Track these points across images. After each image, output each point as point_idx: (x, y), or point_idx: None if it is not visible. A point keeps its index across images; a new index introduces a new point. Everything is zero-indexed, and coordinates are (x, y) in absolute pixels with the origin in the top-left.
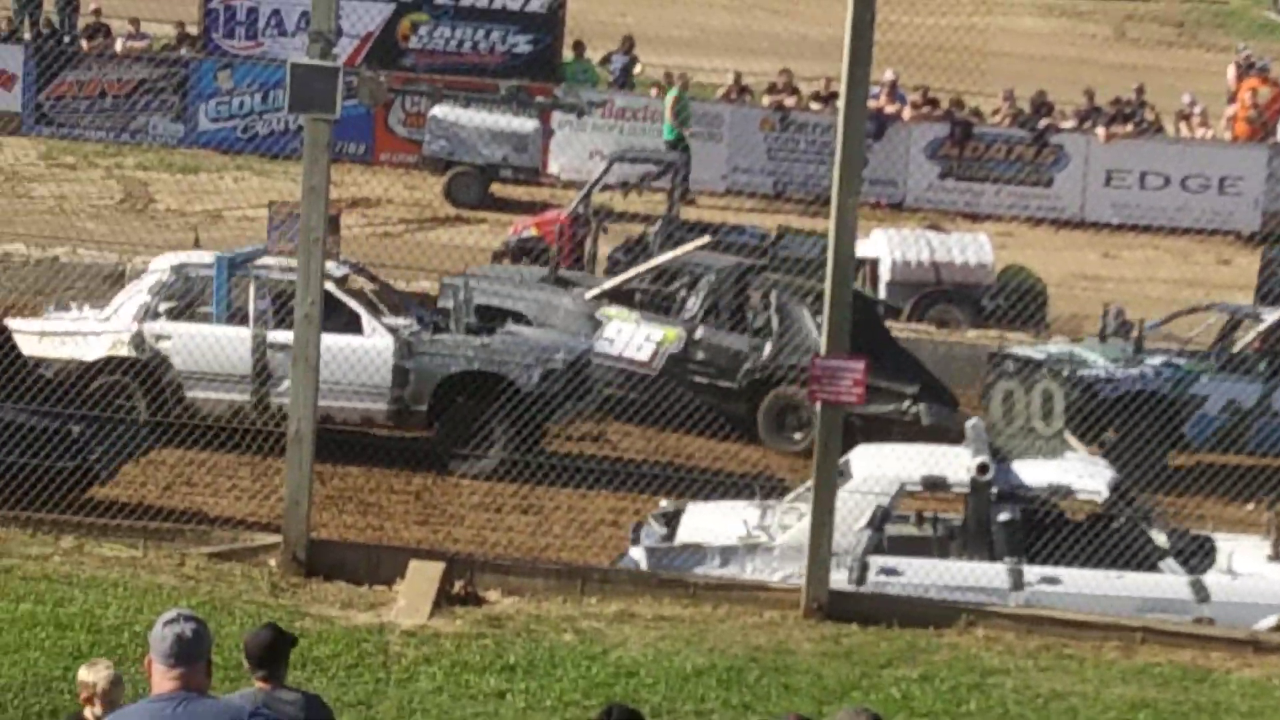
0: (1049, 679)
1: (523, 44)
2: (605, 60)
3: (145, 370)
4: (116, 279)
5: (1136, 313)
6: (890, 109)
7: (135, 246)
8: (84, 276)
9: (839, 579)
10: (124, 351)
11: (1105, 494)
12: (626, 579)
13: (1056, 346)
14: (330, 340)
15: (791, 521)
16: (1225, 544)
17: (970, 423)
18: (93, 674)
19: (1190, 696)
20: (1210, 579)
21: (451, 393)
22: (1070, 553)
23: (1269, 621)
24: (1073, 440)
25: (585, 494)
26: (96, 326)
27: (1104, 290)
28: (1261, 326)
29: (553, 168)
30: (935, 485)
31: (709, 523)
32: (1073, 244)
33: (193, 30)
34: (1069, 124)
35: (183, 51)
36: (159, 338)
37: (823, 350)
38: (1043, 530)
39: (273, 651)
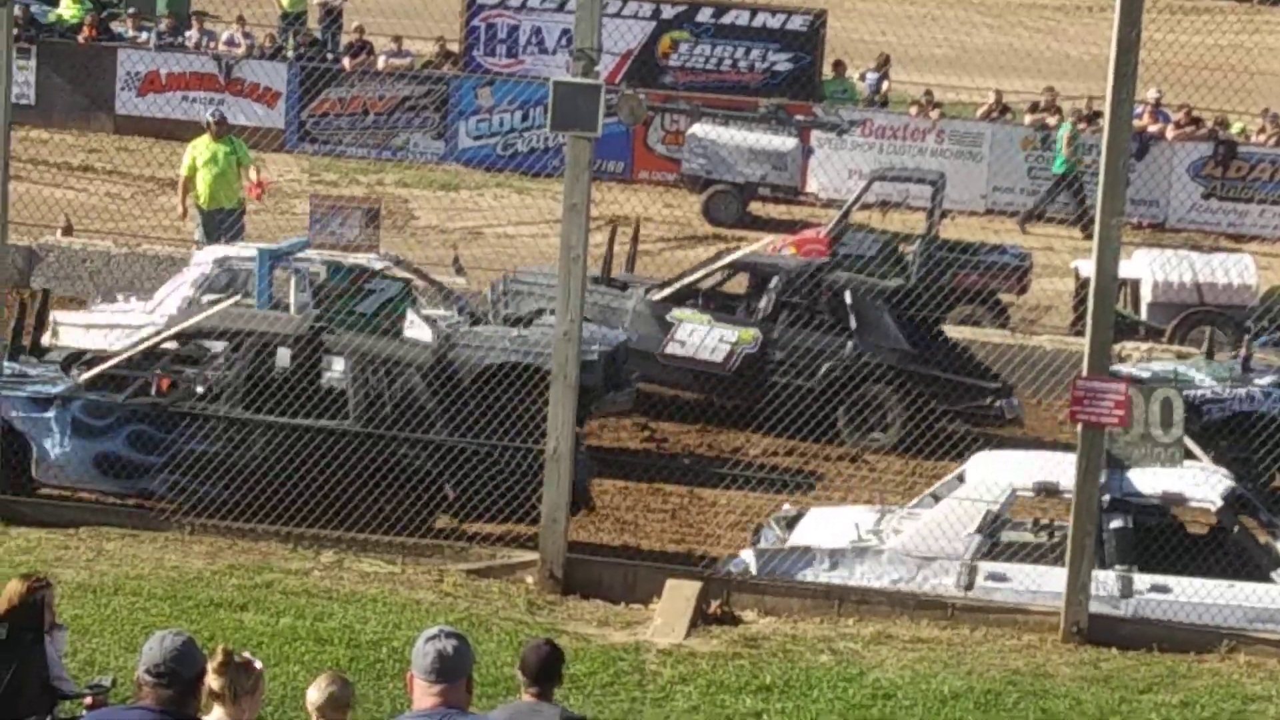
0: None
1: (782, 62)
2: (860, 78)
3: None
4: None
5: None
6: (1153, 128)
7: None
8: None
9: (948, 584)
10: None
11: (1219, 504)
12: (884, 600)
13: (1161, 364)
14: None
15: (904, 527)
16: None
17: None
18: (314, 692)
19: None
20: None
21: (490, 384)
22: (1182, 561)
23: None
24: (1196, 449)
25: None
26: (141, 319)
27: None
28: None
29: (811, 186)
30: (1048, 491)
31: (827, 526)
32: None
33: (454, 48)
34: None
35: (444, 69)
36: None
37: (1084, 370)
38: (1156, 538)
39: (549, 668)
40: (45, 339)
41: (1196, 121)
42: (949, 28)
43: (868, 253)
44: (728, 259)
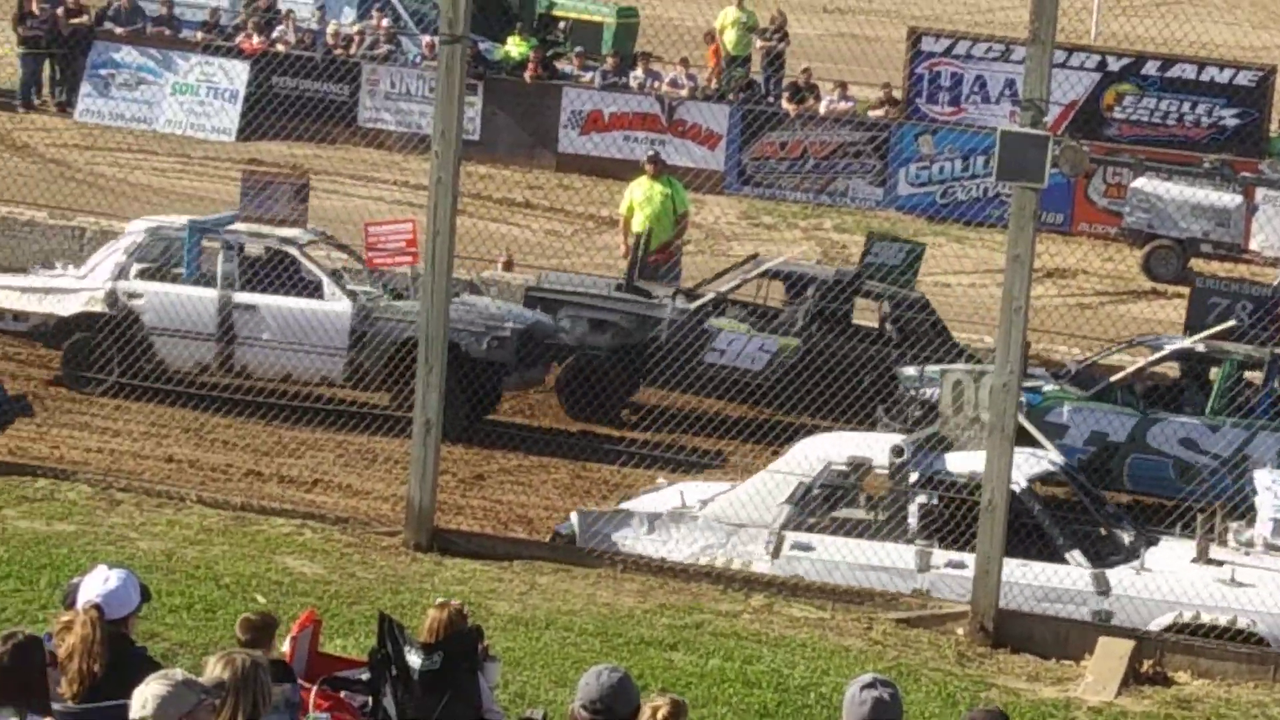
0: None
1: (1229, 117)
2: None
3: (116, 326)
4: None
5: None
6: None
7: None
8: None
9: (757, 551)
10: (97, 308)
11: (1022, 485)
12: None
13: (938, 368)
14: (292, 303)
15: (719, 496)
16: (1167, 543)
17: None
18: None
19: None
20: (1114, 574)
21: (406, 357)
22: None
23: (1163, 621)
24: (1040, 436)
25: None
26: (73, 284)
27: None
28: (1151, 358)
29: (1254, 244)
30: (859, 466)
31: (667, 496)
32: None
33: (896, 94)
34: None
35: (883, 114)
36: (131, 296)
37: None
38: (962, 517)
39: None
40: None
41: None
42: None
43: (891, 261)
44: (763, 267)
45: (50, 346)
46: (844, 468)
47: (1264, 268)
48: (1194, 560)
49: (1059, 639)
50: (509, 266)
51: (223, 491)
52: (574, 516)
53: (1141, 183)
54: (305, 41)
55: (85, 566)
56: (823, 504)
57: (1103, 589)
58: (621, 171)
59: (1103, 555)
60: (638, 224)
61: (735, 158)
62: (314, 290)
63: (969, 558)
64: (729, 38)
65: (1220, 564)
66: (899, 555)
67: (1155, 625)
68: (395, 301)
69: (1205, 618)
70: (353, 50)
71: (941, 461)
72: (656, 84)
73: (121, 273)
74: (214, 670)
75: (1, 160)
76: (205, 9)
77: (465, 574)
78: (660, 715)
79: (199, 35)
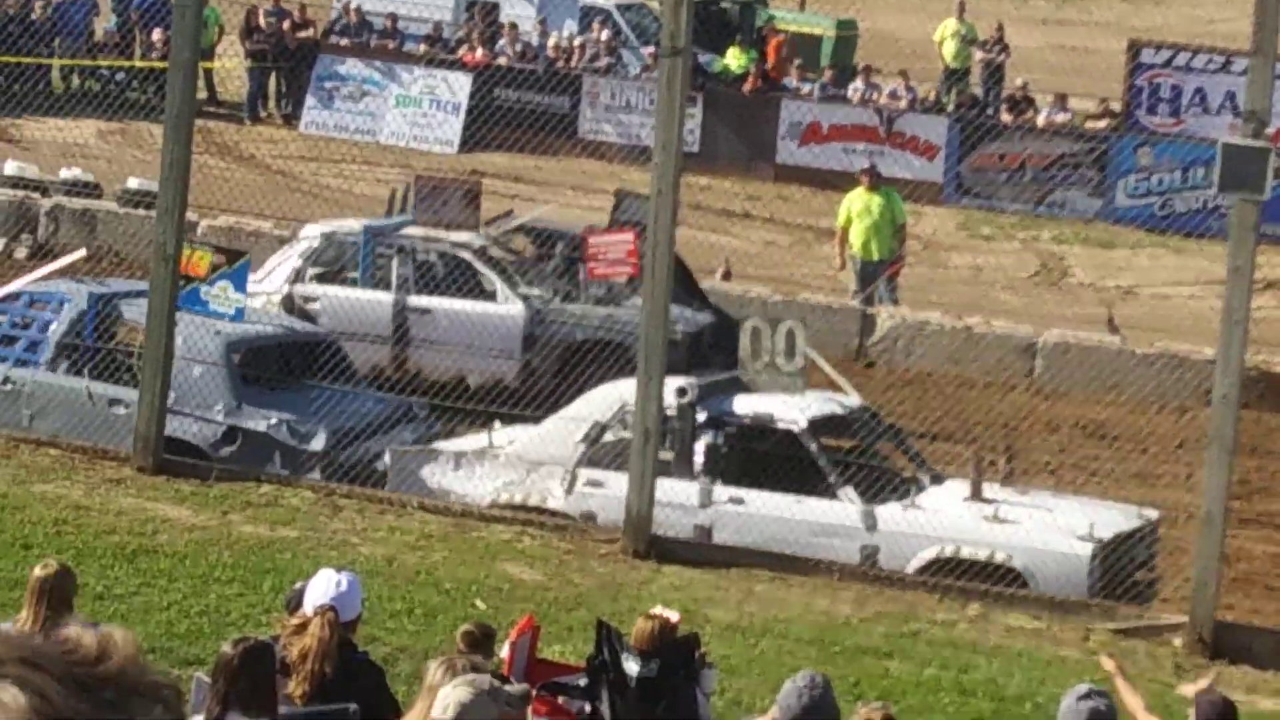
0: None
1: None
2: None
3: None
4: (1029, 353)
5: None
6: None
7: (1048, 320)
8: (996, 347)
9: (553, 487)
10: (274, 312)
11: (803, 425)
12: None
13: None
14: (466, 306)
15: (520, 435)
16: (952, 483)
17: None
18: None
19: None
20: (883, 510)
21: (578, 359)
22: (768, 479)
23: (926, 556)
24: (839, 379)
25: None
26: (250, 288)
27: None
28: None
29: None
30: None
31: (480, 437)
32: None
33: (1115, 106)
34: None
35: (1102, 126)
36: (307, 300)
37: None
38: (747, 456)
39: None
40: None
41: None
42: None
43: (639, 218)
44: (514, 223)
45: None
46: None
47: None
48: (966, 498)
49: (1279, 650)
50: (727, 277)
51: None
52: (387, 454)
53: None
54: (527, 54)
55: (308, 572)
56: (619, 443)
57: (870, 525)
58: (840, 182)
59: (882, 493)
60: (855, 235)
61: (953, 169)
62: (487, 294)
63: (749, 494)
64: (948, 49)
65: (990, 501)
66: (685, 492)
67: (918, 560)
68: (566, 305)
69: (965, 552)
70: (574, 63)
71: (729, 402)
72: (875, 95)
73: (297, 277)
74: (435, 676)
75: (229, 171)
76: (429, 22)
77: (682, 581)
78: None
79: (422, 48)
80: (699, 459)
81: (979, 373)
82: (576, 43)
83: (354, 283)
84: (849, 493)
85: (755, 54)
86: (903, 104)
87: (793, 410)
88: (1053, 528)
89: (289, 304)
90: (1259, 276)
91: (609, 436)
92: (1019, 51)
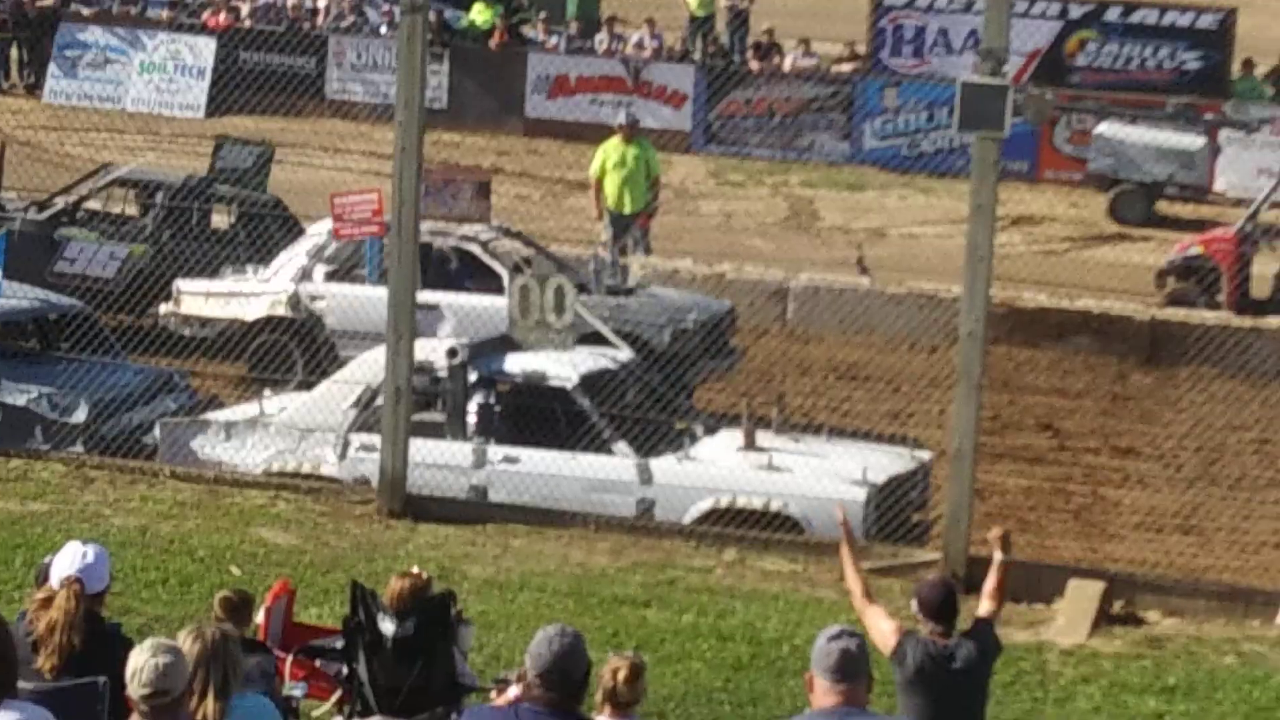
0: None
1: (1191, 61)
2: (1269, 77)
3: (300, 329)
4: (780, 296)
5: None
6: None
7: (799, 263)
8: (748, 293)
9: (326, 454)
10: (281, 312)
11: (574, 382)
12: None
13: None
14: (473, 300)
15: (291, 402)
16: (726, 433)
17: None
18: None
19: None
20: (658, 463)
21: None
22: (538, 436)
23: (703, 506)
24: (610, 334)
25: (1249, 515)
26: (257, 287)
27: None
28: None
29: (1219, 185)
30: (421, 370)
31: (250, 406)
32: None
33: (860, 49)
34: None
35: (848, 69)
36: (314, 298)
37: None
38: (520, 414)
39: (947, 606)
40: (166, 307)
41: None
42: None
43: (241, 164)
44: (111, 175)
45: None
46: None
47: (1229, 208)
48: (740, 448)
49: (1030, 583)
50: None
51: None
52: (157, 427)
53: (1105, 128)
54: (271, 15)
55: (60, 545)
56: None
57: (646, 478)
58: (589, 135)
59: (656, 446)
60: (610, 186)
61: (702, 117)
62: (495, 286)
63: (524, 453)
64: None
65: (764, 450)
66: (459, 452)
67: (694, 511)
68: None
69: (741, 502)
70: (319, 22)
71: (500, 361)
72: (622, 46)
73: (305, 275)
74: (185, 644)
75: None
76: None
77: (439, 539)
78: (620, 677)
79: (165, 13)
80: (472, 419)
81: None
82: (321, 3)
83: (362, 280)
84: (623, 447)
85: (501, 9)
86: (649, 53)
87: (564, 367)
88: (827, 474)
89: (295, 303)
90: (1004, 213)
91: (381, 400)
92: None
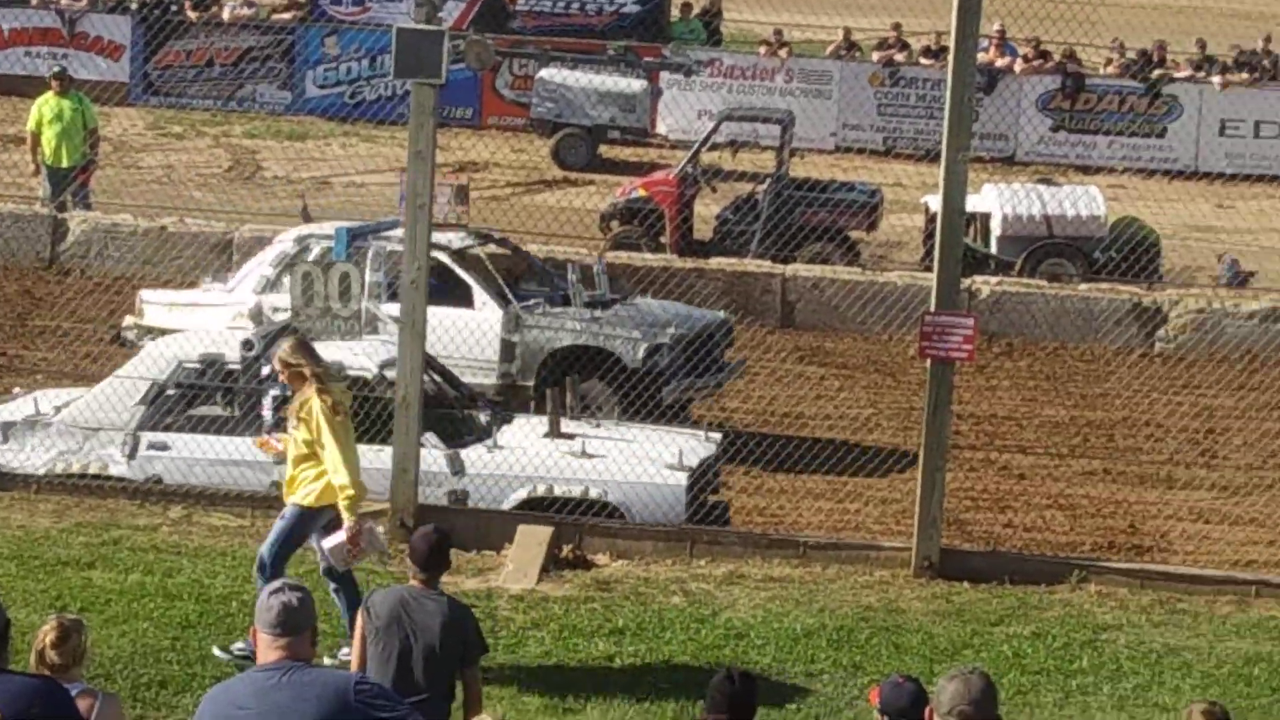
0: (1163, 634)
1: (630, 4)
2: (702, 16)
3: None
4: (224, 248)
5: (1250, 263)
6: (1001, 62)
7: (243, 215)
8: (191, 245)
9: (114, 454)
10: (243, 324)
11: (374, 371)
12: (736, 540)
13: None
14: (440, 314)
15: (72, 401)
16: (521, 421)
17: None
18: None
19: None
20: (469, 453)
21: (559, 367)
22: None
23: (519, 496)
24: (390, 320)
25: None
26: (221, 298)
27: (1218, 241)
28: None
29: (661, 128)
30: (213, 362)
31: (22, 404)
32: (1186, 195)
33: None
34: (1183, 74)
35: (288, 17)
36: (276, 310)
37: (932, 305)
38: None
39: (438, 555)
40: (129, 319)
41: (1045, 55)
42: None
43: None
44: None
45: None
46: (197, 366)
47: (670, 150)
48: (545, 435)
49: (480, 531)
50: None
51: None
52: None
53: (548, 73)
54: None
55: None
56: (180, 402)
57: (457, 469)
58: (25, 89)
59: (459, 436)
60: (46, 141)
61: (140, 68)
62: (464, 299)
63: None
64: None
65: (571, 437)
66: (249, 449)
67: (511, 502)
68: (553, 308)
69: (558, 490)
70: None
71: None
72: None
73: (268, 286)
74: None
75: None
76: None
77: None
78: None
79: None
80: (267, 413)
81: None
82: None
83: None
84: (431, 438)
85: None
86: (83, 4)
87: (361, 357)
88: (641, 459)
89: (257, 316)
90: (450, 159)
91: (169, 396)
92: None
